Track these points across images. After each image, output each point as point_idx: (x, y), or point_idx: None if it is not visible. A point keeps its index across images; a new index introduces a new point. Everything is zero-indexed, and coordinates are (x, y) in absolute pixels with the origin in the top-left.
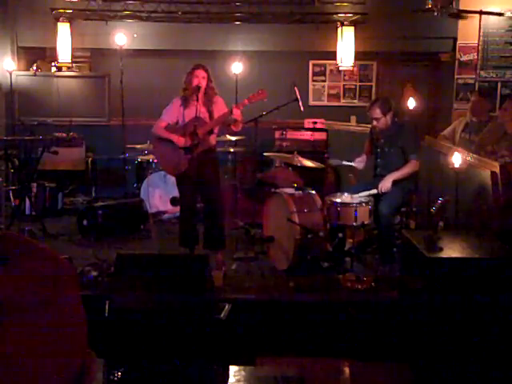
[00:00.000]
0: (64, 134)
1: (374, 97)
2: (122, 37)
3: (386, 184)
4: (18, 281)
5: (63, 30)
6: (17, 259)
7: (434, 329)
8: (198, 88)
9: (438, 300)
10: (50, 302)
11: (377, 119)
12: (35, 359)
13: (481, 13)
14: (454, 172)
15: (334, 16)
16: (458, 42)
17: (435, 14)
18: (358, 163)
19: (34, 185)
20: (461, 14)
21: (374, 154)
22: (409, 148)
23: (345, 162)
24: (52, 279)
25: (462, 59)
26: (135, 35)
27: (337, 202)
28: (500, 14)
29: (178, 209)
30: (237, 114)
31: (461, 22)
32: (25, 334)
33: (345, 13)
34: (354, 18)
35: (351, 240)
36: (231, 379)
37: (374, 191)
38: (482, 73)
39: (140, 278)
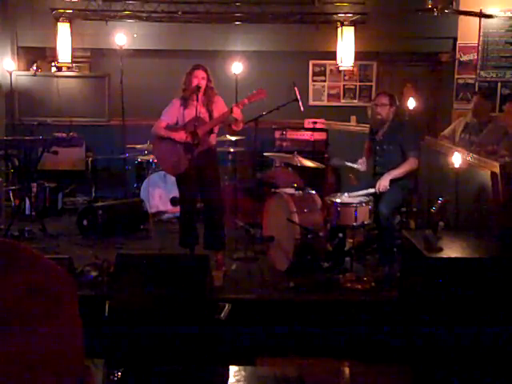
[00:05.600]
0: (64, 134)
1: (373, 97)
2: (122, 37)
3: (383, 183)
4: (13, 292)
5: (63, 30)
6: (13, 269)
7: (434, 329)
8: (198, 88)
9: (438, 300)
10: (47, 315)
11: (383, 105)
12: (32, 374)
13: (480, 15)
14: (454, 172)
15: (334, 16)
16: (457, 42)
17: (435, 13)
18: (360, 165)
19: (34, 185)
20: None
21: (373, 152)
22: (408, 145)
23: (348, 163)
24: (50, 292)
25: (462, 59)
26: (135, 35)
27: (337, 202)
28: (492, 17)
29: (177, 209)
30: (237, 113)
31: (461, 22)
32: (20, 347)
33: (345, 13)
34: (353, 18)
35: (351, 240)
36: (231, 379)
37: (372, 190)
38: (482, 73)
39: (140, 278)
